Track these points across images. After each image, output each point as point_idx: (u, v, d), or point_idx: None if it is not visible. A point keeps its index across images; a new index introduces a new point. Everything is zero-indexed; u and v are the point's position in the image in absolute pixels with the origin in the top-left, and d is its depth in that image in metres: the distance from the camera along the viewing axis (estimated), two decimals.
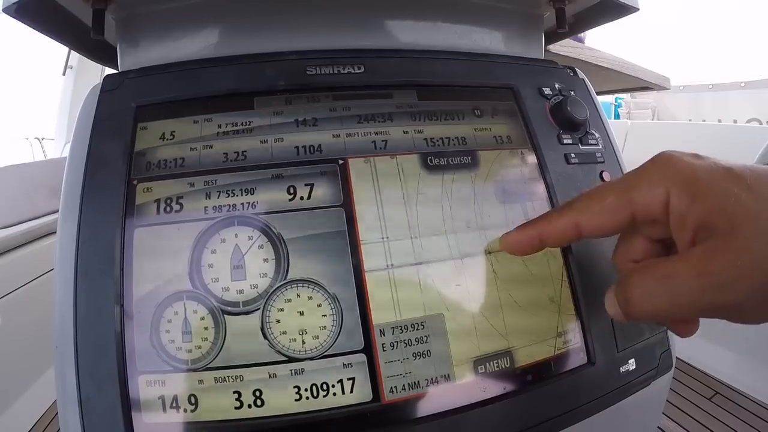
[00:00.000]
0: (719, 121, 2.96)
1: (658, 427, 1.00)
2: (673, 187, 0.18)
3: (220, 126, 0.30)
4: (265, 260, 0.27)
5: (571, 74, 0.39)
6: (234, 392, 0.25)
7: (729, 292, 0.16)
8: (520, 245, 0.24)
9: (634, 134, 2.64)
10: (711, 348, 1.22)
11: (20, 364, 1.16)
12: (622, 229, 0.21)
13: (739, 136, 2.18)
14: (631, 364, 0.31)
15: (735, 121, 2.88)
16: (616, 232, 0.21)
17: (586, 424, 0.30)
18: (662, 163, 0.19)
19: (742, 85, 3.26)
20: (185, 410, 0.24)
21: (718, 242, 0.17)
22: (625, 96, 3.73)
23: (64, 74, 2.16)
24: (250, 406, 0.25)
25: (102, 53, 0.40)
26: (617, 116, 3.72)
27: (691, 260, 0.17)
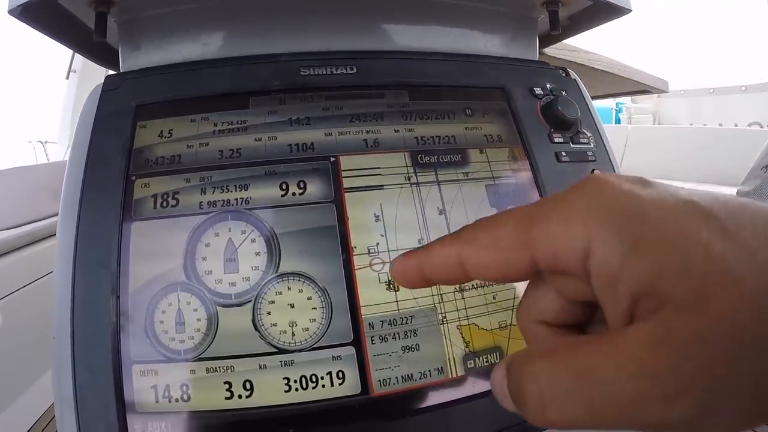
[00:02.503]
0: (720, 125, 2.96)
1: None
2: (599, 228, 0.11)
3: (216, 124, 0.31)
4: (257, 254, 0.27)
5: (563, 75, 0.39)
6: (225, 382, 0.25)
7: (684, 403, 0.09)
8: (404, 276, 0.16)
9: (634, 138, 2.64)
10: None
11: (19, 366, 1.16)
12: (520, 276, 0.14)
13: (739, 140, 2.18)
14: None
15: (736, 125, 2.88)
16: (512, 279, 0.14)
17: None
18: (588, 191, 0.12)
19: (743, 89, 3.26)
20: (177, 399, 0.25)
21: (675, 322, 0.10)
22: (626, 101, 3.73)
23: (67, 78, 2.18)
24: (240, 396, 0.25)
25: (104, 55, 0.41)
26: (618, 121, 3.72)
27: (628, 348, 0.10)
